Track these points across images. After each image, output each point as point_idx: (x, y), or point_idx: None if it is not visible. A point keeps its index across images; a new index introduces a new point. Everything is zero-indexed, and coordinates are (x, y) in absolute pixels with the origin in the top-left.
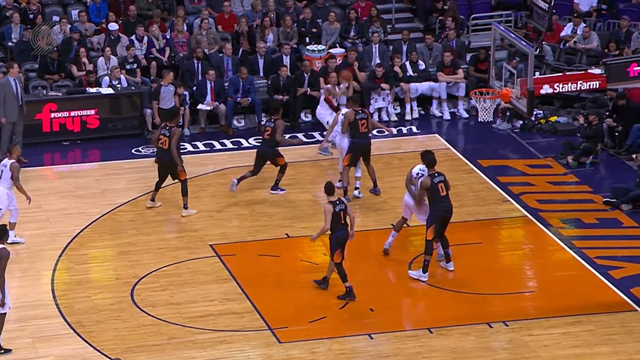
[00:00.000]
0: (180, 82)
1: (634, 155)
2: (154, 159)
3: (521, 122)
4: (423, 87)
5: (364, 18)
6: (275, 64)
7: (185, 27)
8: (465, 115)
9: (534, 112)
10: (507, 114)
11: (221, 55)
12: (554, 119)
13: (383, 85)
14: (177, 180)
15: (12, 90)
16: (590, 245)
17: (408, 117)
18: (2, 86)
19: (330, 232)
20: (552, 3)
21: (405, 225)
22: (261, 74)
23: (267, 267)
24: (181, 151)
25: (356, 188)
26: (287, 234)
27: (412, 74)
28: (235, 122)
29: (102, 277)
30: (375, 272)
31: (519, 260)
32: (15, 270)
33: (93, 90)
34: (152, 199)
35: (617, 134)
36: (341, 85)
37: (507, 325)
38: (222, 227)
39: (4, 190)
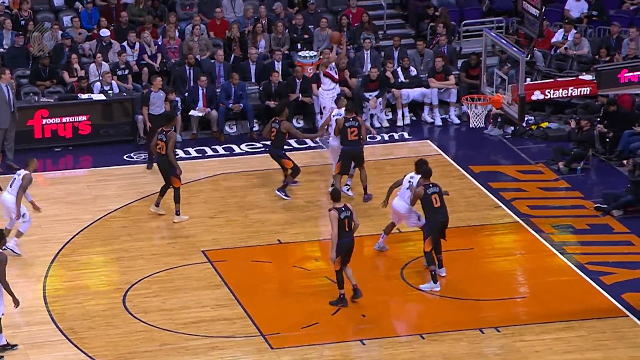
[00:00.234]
0: (172, 88)
1: (624, 161)
2: (145, 165)
3: (512, 128)
4: (414, 93)
5: (356, 24)
6: (267, 70)
7: (177, 34)
8: (457, 121)
9: (525, 118)
10: (499, 120)
11: (213, 61)
12: (545, 125)
13: (370, 95)
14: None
15: (4, 97)
16: (582, 250)
17: (400, 123)
18: None
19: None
20: (543, 9)
21: (396, 230)
22: (253, 80)
23: (259, 273)
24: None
25: (346, 185)
26: (279, 240)
27: (403, 80)
28: (227, 128)
29: (94, 284)
30: (367, 278)
31: (510, 266)
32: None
33: (85, 96)
34: (157, 204)
35: (607, 140)
36: (333, 50)
37: (499, 331)
38: (214, 233)
39: (13, 199)
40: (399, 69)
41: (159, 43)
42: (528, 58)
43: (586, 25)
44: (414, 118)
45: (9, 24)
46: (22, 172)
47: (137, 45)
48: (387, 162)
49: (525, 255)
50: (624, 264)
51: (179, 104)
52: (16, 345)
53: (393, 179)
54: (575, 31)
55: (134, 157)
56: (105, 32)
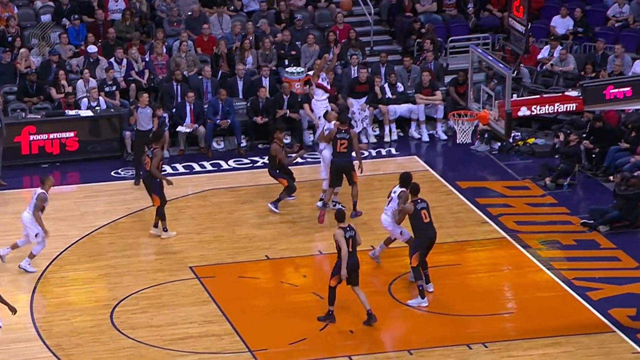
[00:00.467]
0: (160, 104)
1: (611, 177)
2: (133, 181)
3: (499, 144)
4: (402, 109)
5: (343, 40)
6: (254, 86)
7: (164, 50)
8: (444, 137)
9: (512, 134)
10: (485, 135)
11: (200, 77)
12: (531, 140)
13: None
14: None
15: None
16: (569, 266)
17: (387, 138)
18: None
19: (337, 257)
20: (529, 26)
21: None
22: (240, 96)
23: (247, 289)
24: (162, 173)
25: (333, 201)
26: (266, 256)
27: (390, 96)
28: (214, 144)
29: (81, 300)
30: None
31: (497, 281)
32: None
33: (72, 112)
34: (155, 225)
35: (594, 155)
36: (325, 56)
37: (486, 347)
38: (202, 249)
39: (29, 219)
40: (386, 85)
41: (147, 59)
42: (514, 74)
43: (572, 42)
44: (402, 134)
45: None
46: (38, 190)
47: (125, 62)
48: (374, 178)
49: (512, 270)
50: (611, 280)
51: (167, 120)
52: None
53: (381, 195)
54: (561, 47)
55: (122, 173)
56: (92, 49)
